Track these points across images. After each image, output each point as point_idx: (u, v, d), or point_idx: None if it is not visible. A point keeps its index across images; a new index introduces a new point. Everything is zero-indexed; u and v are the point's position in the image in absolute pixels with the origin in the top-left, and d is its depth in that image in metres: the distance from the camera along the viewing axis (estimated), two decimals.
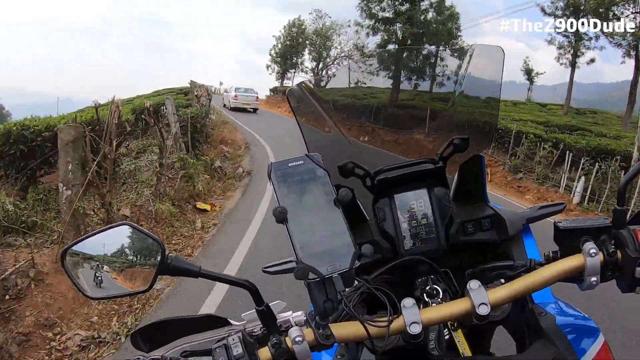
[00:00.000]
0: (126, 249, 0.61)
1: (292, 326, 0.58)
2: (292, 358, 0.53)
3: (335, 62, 32.79)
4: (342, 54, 32.06)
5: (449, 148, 0.74)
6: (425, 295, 0.67)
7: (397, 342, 0.61)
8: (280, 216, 0.50)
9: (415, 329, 0.54)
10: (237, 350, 0.53)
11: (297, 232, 0.51)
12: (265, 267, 0.83)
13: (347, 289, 0.60)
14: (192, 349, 0.61)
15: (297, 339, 0.52)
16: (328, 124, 0.84)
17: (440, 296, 0.66)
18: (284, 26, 34.73)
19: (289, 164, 0.53)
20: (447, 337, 0.65)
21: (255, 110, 21.60)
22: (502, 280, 0.63)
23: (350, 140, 0.86)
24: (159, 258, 0.56)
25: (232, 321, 0.63)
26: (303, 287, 0.53)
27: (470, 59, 0.85)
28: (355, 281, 0.61)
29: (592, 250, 0.55)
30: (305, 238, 0.51)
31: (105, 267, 0.61)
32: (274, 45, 35.85)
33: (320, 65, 33.85)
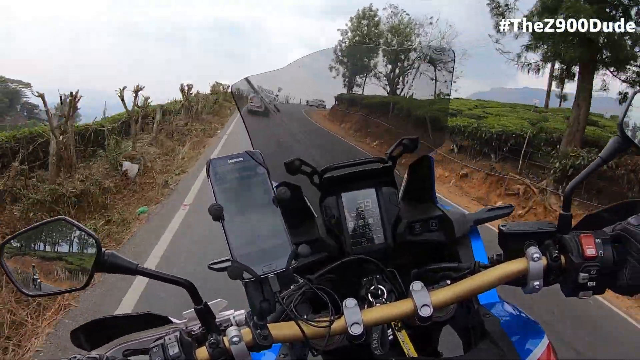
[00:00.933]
0: (62, 245, 0.59)
1: (232, 325, 0.57)
2: (230, 358, 0.52)
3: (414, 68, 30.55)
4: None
5: (399, 148, 0.74)
6: (369, 295, 0.66)
7: (342, 342, 0.61)
8: (216, 213, 0.49)
9: (357, 330, 0.53)
10: (174, 349, 0.51)
11: (233, 230, 0.49)
12: (212, 264, 0.82)
13: (291, 287, 0.59)
14: (133, 347, 0.59)
15: (234, 339, 0.51)
16: (276, 121, 0.83)
17: (385, 296, 0.66)
18: (352, 18, 27.28)
19: (229, 161, 0.52)
20: (391, 337, 0.65)
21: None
22: (449, 282, 0.63)
23: (298, 137, 0.85)
24: (94, 255, 0.54)
25: (173, 319, 0.62)
26: None
27: (423, 60, 0.85)
28: (300, 280, 0.61)
29: (535, 255, 0.55)
30: (241, 237, 0.50)
31: (42, 263, 0.59)
32: (340, 42, 27.31)
33: (397, 71, 29.76)
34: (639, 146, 0.61)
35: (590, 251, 0.54)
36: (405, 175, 0.83)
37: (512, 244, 0.58)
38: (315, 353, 0.60)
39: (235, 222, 0.50)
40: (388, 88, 0.92)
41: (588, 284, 0.54)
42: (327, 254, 0.74)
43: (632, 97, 0.61)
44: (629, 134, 0.60)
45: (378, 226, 0.74)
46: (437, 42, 24.73)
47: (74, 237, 0.58)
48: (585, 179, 0.60)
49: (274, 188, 0.52)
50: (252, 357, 0.54)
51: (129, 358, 0.56)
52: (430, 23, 24.58)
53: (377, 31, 26.74)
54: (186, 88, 14.44)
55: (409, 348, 0.64)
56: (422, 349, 0.68)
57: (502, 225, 0.59)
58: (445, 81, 0.83)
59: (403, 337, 0.64)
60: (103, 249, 0.54)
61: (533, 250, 0.55)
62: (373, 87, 0.90)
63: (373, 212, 0.75)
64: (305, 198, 0.80)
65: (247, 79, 0.77)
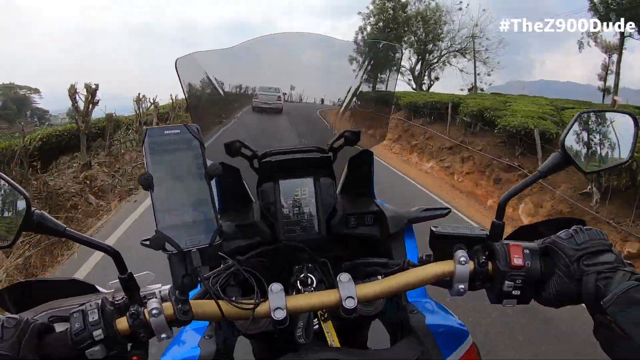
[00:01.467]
0: None
1: (155, 298, 0.57)
2: (149, 330, 0.52)
3: (441, 60, 24.52)
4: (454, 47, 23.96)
5: (340, 140, 0.74)
6: (299, 282, 0.67)
7: (268, 327, 0.61)
8: (146, 182, 0.48)
9: (280, 315, 0.54)
10: (94, 317, 0.51)
11: (160, 201, 0.49)
12: (144, 240, 0.81)
13: (221, 265, 0.59)
14: (58, 314, 0.59)
15: (154, 312, 0.51)
16: (221, 101, 0.82)
17: (314, 285, 0.67)
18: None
19: (165, 132, 0.51)
20: (317, 327, 0.66)
21: (280, 110, 20.06)
22: (380, 277, 0.64)
23: (243, 120, 0.84)
24: (23, 213, 0.53)
25: (99, 288, 0.61)
26: None
27: (371, 55, 0.85)
28: (230, 261, 0.61)
29: (462, 258, 0.56)
30: (168, 208, 0.49)
31: None
32: (361, 28, 24.60)
33: (422, 63, 24.64)
34: (578, 165, 0.62)
35: (517, 260, 0.55)
36: (345, 168, 0.84)
37: (442, 246, 0.59)
38: (236, 335, 0.60)
39: (164, 193, 0.49)
40: (333, 79, 0.91)
41: (513, 292, 0.55)
42: (260, 239, 0.74)
43: (577, 118, 0.63)
44: (570, 152, 0.62)
45: (313, 216, 0.75)
46: (468, 30, 22.97)
47: (3, 193, 0.56)
48: (521, 190, 0.61)
49: (207, 163, 0.52)
50: (172, 333, 0.54)
51: (53, 324, 0.55)
52: (460, 9, 23.15)
53: (404, 15, 23.28)
54: (142, 97, 10.84)
55: (333, 339, 0.65)
56: (351, 341, 0.69)
57: (434, 227, 0.59)
58: (391, 76, 0.83)
59: (328, 328, 0.65)
60: (33, 209, 0.53)
61: (461, 254, 0.56)
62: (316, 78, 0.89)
63: (309, 201, 0.75)
64: (244, 182, 0.80)
65: (194, 55, 0.75)
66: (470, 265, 0.56)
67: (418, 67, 25.23)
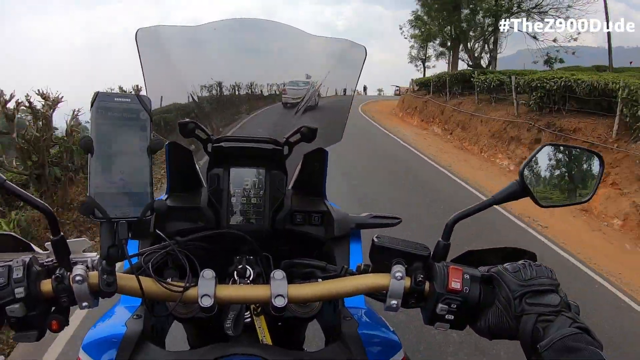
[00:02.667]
0: None
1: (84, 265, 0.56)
2: (73, 297, 0.51)
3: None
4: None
5: (296, 135, 0.73)
6: (235, 273, 0.66)
7: (198, 313, 0.61)
8: (85, 145, 0.47)
9: (206, 302, 0.53)
10: (18, 274, 0.50)
11: (97, 167, 0.48)
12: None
13: (156, 244, 0.58)
14: None
15: (77, 278, 0.50)
16: (179, 77, 0.80)
17: (251, 278, 0.66)
18: None
19: (115, 99, 0.50)
20: (249, 320, 0.65)
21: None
22: (320, 279, 0.63)
23: (200, 100, 0.83)
24: None
25: (35, 247, 0.60)
26: None
27: (336, 53, 0.84)
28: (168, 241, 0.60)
29: (398, 274, 0.55)
30: (104, 175, 0.48)
31: None
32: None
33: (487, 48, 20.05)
34: (534, 197, 0.61)
35: (455, 284, 0.54)
36: (299, 165, 0.83)
37: (381, 258, 0.58)
38: (170, 319, 0.59)
39: (102, 159, 0.48)
40: (294, 72, 0.89)
41: (446, 316, 0.54)
42: (204, 224, 0.73)
43: (540, 149, 0.62)
44: (528, 182, 0.60)
45: (260, 207, 0.74)
46: None
47: None
48: (472, 214, 0.60)
49: (151, 136, 0.50)
50: (95, 303, 0.53)
51: None
52: None
53: None
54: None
55: (264, 334, 0.64)
56: (285, 340, 0.68)
57: (376, 237, 0.58)
58: (352, 78, 0.82)
59: (260, 323, 0.64)
60: None
61: (397, 269, 0.55)
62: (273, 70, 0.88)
63: (258, 193, 0.74)
64: (197, 165, 0.79)
65: (157, 28, 0.73)
66: (407, 281, 0.55)
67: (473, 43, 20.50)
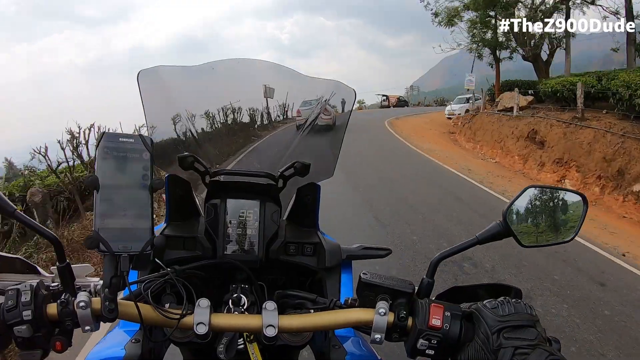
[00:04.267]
0: None
1: (89, 291, 0.60)
2: (76, 321, 0.55)
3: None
4: None
5: (290, 170, 0.77)
6: (230, 301, 0.69)
7: (194, 338, 0.63)
8: (90, 183, 0.51)
9: (202, 330, 0.56)
10: (26, 297, 0.54)
11: (103, 203, 0.52)
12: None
13: (159, 271, 0.62)
14: None
15: (81, 304, 0.54)
16: (180, 114, 0.84)
17: (245, 307, 0.69)
18: None
19: (120, 139, 0.54)
20: (242, 346, 0.67)
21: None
22: (312, 311, 0.66)
23: (198, 134, 0.86)
24: None
25: (41, 270, 0.64)
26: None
27: (328, 93, 0.88)
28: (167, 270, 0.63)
29: (381, 310, 0.57)
30: (109, 211, 0.52)
31: None
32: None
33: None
34: (517, 237, 0.64)
35: (435, 321, 0.56)
36: (293, 197, 0.86)
37: (367, 293, 0.60)
38: (167, 342, 0.61)
39: (107, 196, 0.52)
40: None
41: (427, 351, 0.57)
42: (201, 253, 0.76)
43: (524, 191, 0.64)
44: (511, 223, 0.63)
45: (255, 238, 0.77)
46: None
47: None
48: (456, 253, 0.63)
49: (153, 175, 0.54)
50: (97, 327, 0.56)
51: None
52: None
53: None
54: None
55: None
56: None
57: (363, 273, 0.61)
58: (344, 117, 0.86)
59: (253, 350, 0.67)
60: None
61: (381, 305, 0.58)
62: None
63: (253, 224, 0.77)
64: (195, 195, 0.82)
65: (157, 68, 0.78)
66: (390, 317, 0.58)
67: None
